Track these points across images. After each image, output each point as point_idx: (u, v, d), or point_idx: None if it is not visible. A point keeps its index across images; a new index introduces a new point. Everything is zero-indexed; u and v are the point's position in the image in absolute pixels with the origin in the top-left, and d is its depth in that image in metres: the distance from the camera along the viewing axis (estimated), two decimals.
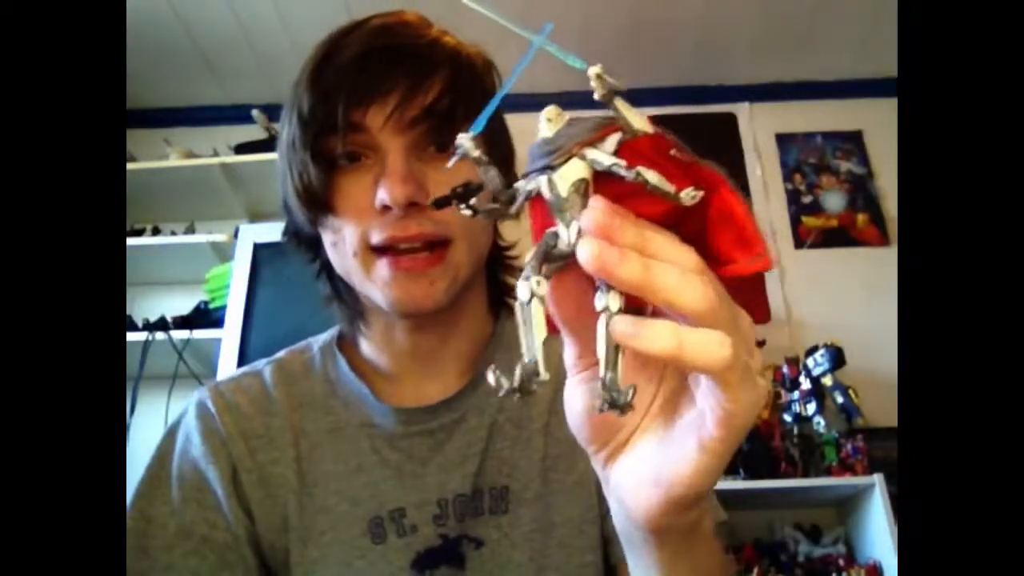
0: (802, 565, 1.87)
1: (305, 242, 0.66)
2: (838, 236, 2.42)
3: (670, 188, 0.29)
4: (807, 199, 2.49)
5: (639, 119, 0.29)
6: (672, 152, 0.31)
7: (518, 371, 0.29)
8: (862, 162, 2.53)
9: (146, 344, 2.03)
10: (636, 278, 0.28)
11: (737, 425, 0.31)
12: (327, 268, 0.66)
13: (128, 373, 1.99)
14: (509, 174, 0.31)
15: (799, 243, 2.42)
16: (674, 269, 0.29)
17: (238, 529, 0.59)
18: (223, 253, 2.20)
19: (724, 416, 0.30)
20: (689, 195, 0.29)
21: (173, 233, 2.33)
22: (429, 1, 0.70)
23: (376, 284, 0.58)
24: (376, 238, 0.57)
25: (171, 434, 0.65)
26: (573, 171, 0.30)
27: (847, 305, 2.28)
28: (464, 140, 0.30)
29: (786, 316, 2.28)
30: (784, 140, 2.58)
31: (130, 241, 2.19)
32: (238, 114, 2.46)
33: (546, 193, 0.30)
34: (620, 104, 0.29)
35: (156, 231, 2.36)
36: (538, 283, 0.29)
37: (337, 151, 0.57)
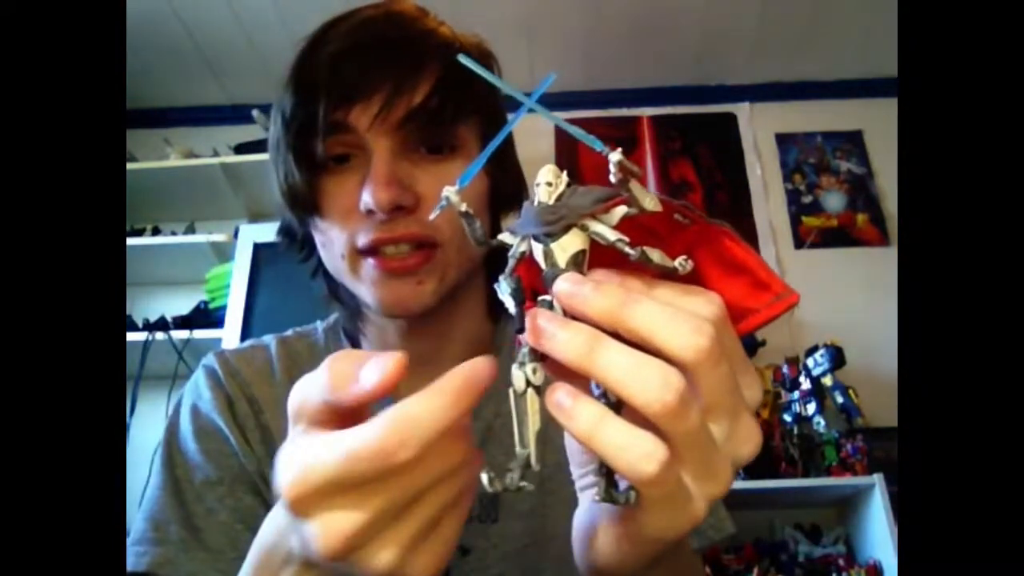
0: (802, 565, 1.87)
1: (298, 240, 0.66)
2: (838, 236, 2.42)
3: (673, 264, 0.29)
4: (807, 199, 2.49)
5: (651, 200, 0.28)
6: (676, 216, 0.30)
7: (514, 469, 0.27)
8: (862, 162, 2.53)
9: (146, 344, 2.03)
10: (573, 359, 0.25)
11: (643, 536, 0.27)
12: (322, 266, 0.65)
13: (128, 373, 2.00)
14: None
15: (799, 243, 2.42)
16: (624, 355, 0.25)
17: (253, 472, 0.60)
18: (223, 253, 2.20)
19: (632, 523, 0.27)
20: (682, 264, 0.29)
21: (173, 233, 2.33)
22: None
23: (364, 284, 0.58)
24: (362, 240, 0.56)
25: (178, 406, 0.66)
26: (573, 242, 0.29)
27: (847, 305, 2.28)
28: (450, 193, 0.29)
29: (786, 316, 2.28)
30: (784, 140, 2.58)
31: (130, 241, 2.19)
32: (238, 114, 2.46)
33: (540, 261, 0.29)
34: (635, 187, 0.28)
35: (156, 231, 2.36)
36: (534, 371, 0.27)
37: (320, 152, 0.56)
